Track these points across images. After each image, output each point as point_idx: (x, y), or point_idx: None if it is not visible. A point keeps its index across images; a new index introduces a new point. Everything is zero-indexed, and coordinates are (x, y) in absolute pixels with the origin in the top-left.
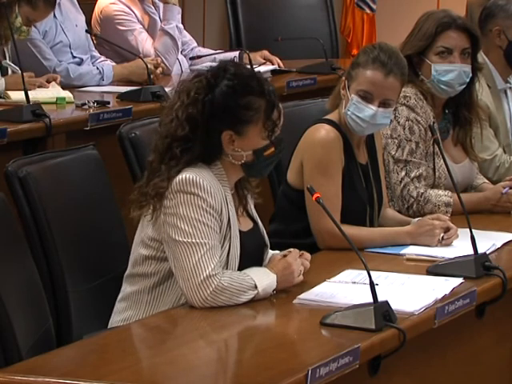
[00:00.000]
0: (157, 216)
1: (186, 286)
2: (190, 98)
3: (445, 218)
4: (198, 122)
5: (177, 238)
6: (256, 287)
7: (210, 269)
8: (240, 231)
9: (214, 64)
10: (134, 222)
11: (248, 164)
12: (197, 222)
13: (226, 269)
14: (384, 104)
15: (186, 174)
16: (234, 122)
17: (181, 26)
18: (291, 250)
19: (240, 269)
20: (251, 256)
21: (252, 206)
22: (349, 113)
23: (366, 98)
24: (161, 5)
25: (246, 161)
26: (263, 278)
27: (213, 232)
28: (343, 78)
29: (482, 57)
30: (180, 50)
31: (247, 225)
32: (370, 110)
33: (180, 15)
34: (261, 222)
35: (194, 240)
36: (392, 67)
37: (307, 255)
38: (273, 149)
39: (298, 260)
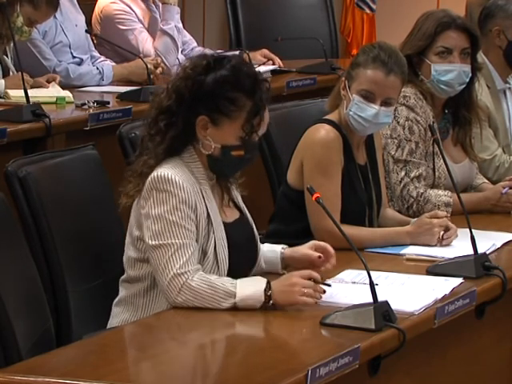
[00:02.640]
0: (140, 193)
1: (161, 289)
2: (184, 73)
3: (443, 214)
4: (183, 97)
5: (150, 242)
6: (234, 296)
7: (175, 268)
8: (225, 222)
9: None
10: (122, 211)
11: (213, 157)
12: (166, 221)
13: (216, 262)
14: (386, 103)
15: (160, 172)
16: (213, 110)
17: (180, 25)
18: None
19: (230, 260)
20: (239, 247)
21: (238, 197)
22: (351, 113)
23: (368, 97)
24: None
25: (212, 153)
26: (248, 288)
27: (182, 230)
28: (343, 78)
29: (481, 57)
30: (179, 49)
31: (233, 215)
32: (373, 109)
33: (179, 15)
34: (249, 213)
35: (162, 242)
36: (392, 66)
37: (320, 288)
38: (242, 152)
39: (305, 281)
